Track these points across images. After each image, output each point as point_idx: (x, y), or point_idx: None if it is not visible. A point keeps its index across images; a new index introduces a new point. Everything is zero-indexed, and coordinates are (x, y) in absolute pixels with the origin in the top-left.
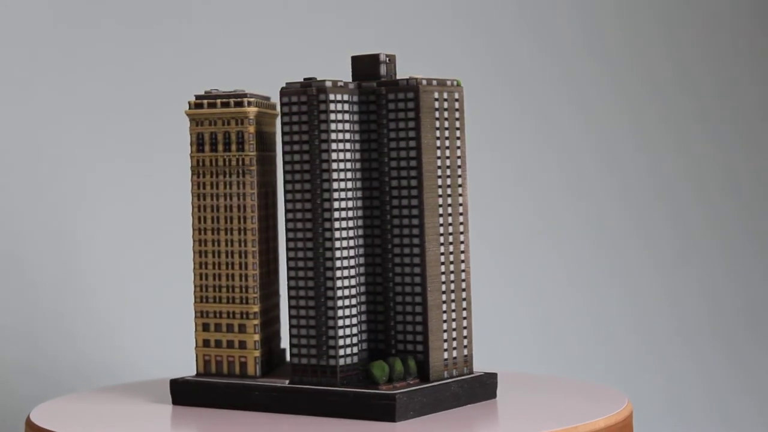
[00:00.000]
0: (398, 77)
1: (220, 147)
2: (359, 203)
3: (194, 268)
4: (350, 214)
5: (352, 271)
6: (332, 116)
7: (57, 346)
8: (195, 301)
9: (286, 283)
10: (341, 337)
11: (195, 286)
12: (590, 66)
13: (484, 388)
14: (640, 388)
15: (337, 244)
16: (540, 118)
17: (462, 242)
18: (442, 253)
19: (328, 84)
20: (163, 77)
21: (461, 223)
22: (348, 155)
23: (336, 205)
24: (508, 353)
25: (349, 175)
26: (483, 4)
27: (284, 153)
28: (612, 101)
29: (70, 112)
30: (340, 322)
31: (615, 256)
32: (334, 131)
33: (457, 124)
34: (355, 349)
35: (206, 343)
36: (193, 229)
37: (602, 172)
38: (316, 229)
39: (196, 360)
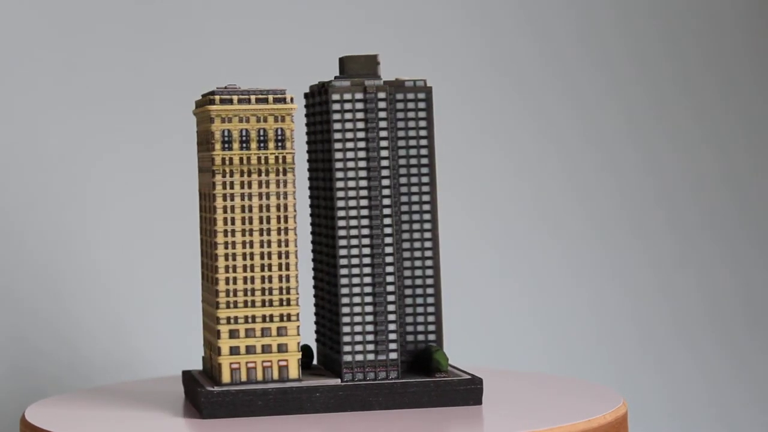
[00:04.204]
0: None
1: (254, 145)
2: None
3: (218, 272)
4: (394, 210)
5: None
6: (390, 115)
7: (54, 345)
8: (219, 308)
9: (339, 281)
10: (398, 331)
11: (220, 292)
12: (588, 67)
13: None
14: (639, 389)
15: (395, 238)
16: (538, 119)
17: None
18: None
19: (381, 83)
20: (163, 76)
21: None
22: (392, 153)
23: (394, 201)
24: (508, 352)
25: (392, 172)
26: (478, 2)
27: (336, 151)
28: (610, 102)
29: (73, 110)
30: (397, 316)
31: (614, 257)
32: (396, 129)
33: None
34: None
35: (234, 350)
36: (218, 232)
37: (601, 172)
38: (376, 225)
39: (221, 370)
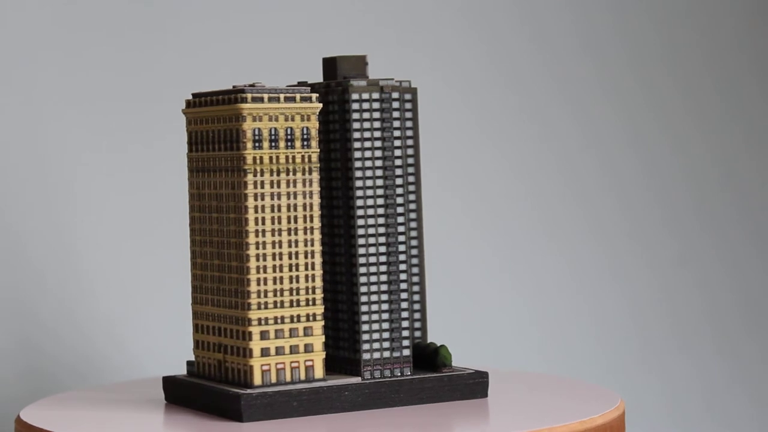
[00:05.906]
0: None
1: (281, 144)
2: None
3: (250, 273)
4: (406, 208)
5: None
6: (405, 114)
7: (54, 346)
8: (251, 309)
9: (358, 279)
10: (410, 328)
11: (251, 293)
12: (587, 67)
13: None
14: (637, 389)
15: (411, 234)
16: (537, 118)
17: None
18: None
19: (394, 83)
20: (162, 76)
21: None
22: (405, 152)
23: (406, 199)
24: (507, 352)
25: (404, 171)
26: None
27: (355, 149)
28: (608, 103)
29: (72, 110)
30: (410, 314)
31: (613, 257)
32: (407, 128)
33: None
34: None
35: (264, 352)
36: (249, 232)
37: (599, 172)
38: (391, 224)
39: (252, 372)
